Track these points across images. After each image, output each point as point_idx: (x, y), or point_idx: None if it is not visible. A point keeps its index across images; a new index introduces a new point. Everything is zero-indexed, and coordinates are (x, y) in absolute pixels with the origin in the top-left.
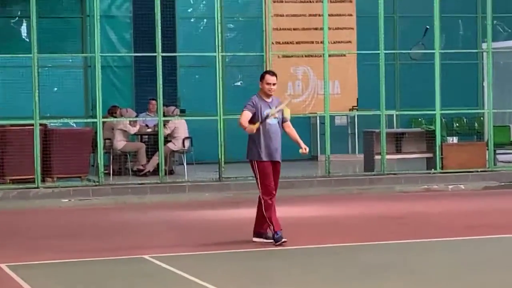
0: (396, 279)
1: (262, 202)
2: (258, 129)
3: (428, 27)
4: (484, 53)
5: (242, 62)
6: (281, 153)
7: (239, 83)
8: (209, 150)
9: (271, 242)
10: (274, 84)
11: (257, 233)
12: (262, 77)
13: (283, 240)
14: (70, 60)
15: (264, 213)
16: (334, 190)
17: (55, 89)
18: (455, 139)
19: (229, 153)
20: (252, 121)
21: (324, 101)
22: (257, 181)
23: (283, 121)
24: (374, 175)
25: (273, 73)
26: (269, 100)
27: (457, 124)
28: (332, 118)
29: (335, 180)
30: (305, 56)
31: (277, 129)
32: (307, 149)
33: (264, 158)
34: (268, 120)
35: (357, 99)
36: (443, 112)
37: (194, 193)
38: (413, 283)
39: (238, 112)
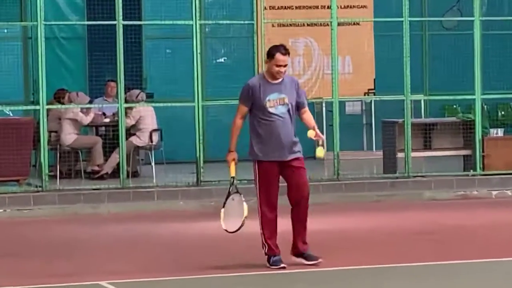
0: None
1: (259, 215)
2: (257, 119)
3: None
4: None
5: (227, 33)
6: (295, 149)
7: (222, 60)
8: (184, 146)
9: (312, 263)
10: (285, 66)
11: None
12: (270, 55)
13: (282, 265)
14: (5, 31)
15: (260, 228)
16: (345, 197)
17: None
18: (500, 132)
19: (210, 150)
20: (253, 112)
21: (332, 83)
22: (255, 186)
23: (298, 106)
24: (396, 178)
25: (285, 51)
26: (276, 81)
27: (503, 113)
28: (342, 104)
29: (346, 185)
30: (308, 25)
31: (285, 120)
32: (322, 138)
33: (264, 158)
34: (270, 108)
35: (374, 80)
36: (485, 97)
37: (165, 201)
38: None
39: (221, 97)
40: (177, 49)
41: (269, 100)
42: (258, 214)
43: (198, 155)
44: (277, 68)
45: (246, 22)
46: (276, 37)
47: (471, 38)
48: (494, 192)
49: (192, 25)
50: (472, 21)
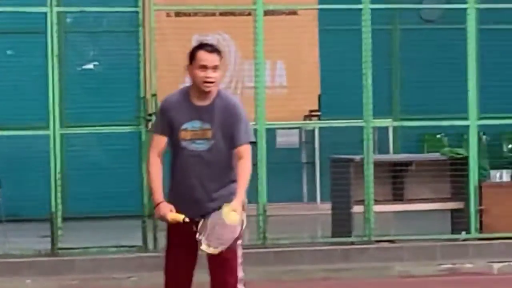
0: None
1: None
2: (173, 155)
3: None
4: None
5: (98, 26)
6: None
7: (91, 66)
8: (33, 196)
9: None
10: (214, 69)
11: None
12: (191, 57)
13: None
14: None
15: None
16: (275, 273)
17: None
18: (506, 175)
19: (71, 202)
20: (174, 149)
21: (255, 101)
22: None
23: (231, 144)
24: (351, 243)
25: (212, 49)
26: (205, 101)
27: (510, 146)
28: (271, 133)
29: (277, 254)
30: (220, 13)
31: (208, 163)
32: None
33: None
34: (183, 142)
35: (320, 97)
36: (483, 122)
37: (4, 279)
38: None
39: (89, 122)
40: (23, 49)
41: (184, 130)
42: None
43: (54, 209)
44: (202, 74)
45: (128, 10)
46: (173, 31)
47: (463, 35)
48: (496, 265)
49: (46, 13)
50: (465, 9)
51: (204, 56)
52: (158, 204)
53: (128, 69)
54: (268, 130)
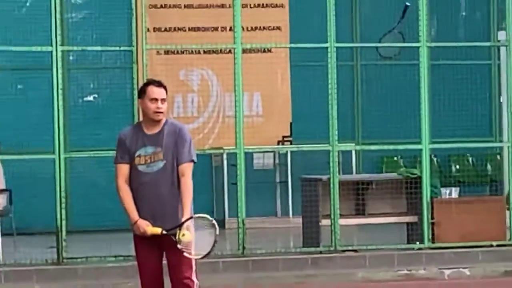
0: None
1: None
2: (134, 180)
3: (408, 4)
4: (502, 48)
5: (97, 62)
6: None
7: (91, 98)
8: (40, 211)
9: None
10: (163, 101)
11: None
12: (141, 92)
13: None
14: None
15: None
16: (253, 279)
17: None
18: (454, 193)
19: (75, 217)
20: (132, 172)
21: (235, 128)
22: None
23: (177, 163)
24: (320, 253)
25: (159, 84)
26: (155, 129)
27: (458, 167)
28: (249, 156)
29: (254, 262)
30: (204, 52)
31: (158, 179)
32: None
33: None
34: (139, 166)
35: (291, 124)
36: (434, 146)
37: (16, 285)
38: None
39: (90, 147)
40: (31, 83)
41: (138, 156)
42: None
43: (59, 223)
44: (152, 106)
45: (122, 48)
46: (163, 67)
47: (417, 70)
48: (447, 272)
49: (52, 51)
50: (418, 47)
51: (154, 90)
52: (135, 222)
53: (123, 100)
54: (246, 153)
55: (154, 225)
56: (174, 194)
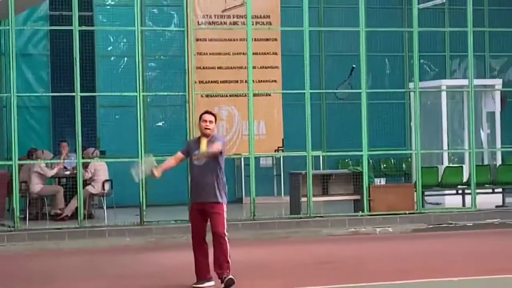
0: None
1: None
2: (190, 168)
3: (354, 66)
4: (411, 93)
5: (164, 102)
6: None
7: (161, 124)
8: (130, 193)
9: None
10: (210, 122)
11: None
12: (200, 117)
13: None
14: None
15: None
16: (259, 234)
17: None
18: (382, 181)
19: (150, 196)
20: (190, 163)
21: (248, 142)
22: None
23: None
24: (300, 218)
25: (210, 112)
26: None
27: (385, 165)
28: (257, 159)
29: (260, 224)
30: (229, 95)
31: (204, 169)
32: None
33: (192, 200)
34: (196, 162)
35: (283, 139)
36: (370, 153)
37: (115, 238)
38: None
39: (160, 153)
40: (124, 115)
41: (194, 155)
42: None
43: (141, 200)
44: (203, 124)
45: (180, 93)
46: (204, 105)
47: (359, 106)
48: (378, 229)
49: (136, 96)
50: (360, 92)
51: (205, 116)
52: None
53: (181, 126)
54: (255, 157)
55: (199, 193)
56: (213, 177)
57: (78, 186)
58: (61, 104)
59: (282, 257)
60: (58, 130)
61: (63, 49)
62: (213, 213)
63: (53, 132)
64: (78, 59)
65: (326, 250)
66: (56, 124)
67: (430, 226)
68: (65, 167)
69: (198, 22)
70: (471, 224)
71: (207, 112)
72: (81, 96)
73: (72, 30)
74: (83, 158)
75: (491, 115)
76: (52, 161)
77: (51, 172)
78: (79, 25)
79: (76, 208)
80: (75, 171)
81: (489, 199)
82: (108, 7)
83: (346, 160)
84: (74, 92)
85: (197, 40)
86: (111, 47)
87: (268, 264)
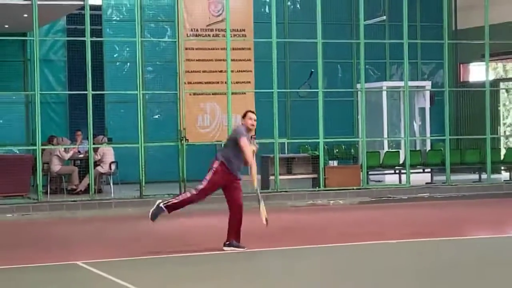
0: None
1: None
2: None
3: (313, 70)
4: (359, 92)
5: (160, 99)
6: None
7: (157, 117)
8: (132, 172)
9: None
10: (255, 120)
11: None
12: (244, 115)
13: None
14: (14, 97)
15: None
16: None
17: (0, 121)
18: (335, 163)
19: (148, 174)
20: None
21: (227, 132)
22: None
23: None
24: (269, 192)
25: (253, 112)
26: (250, 133)
27: (337, 150)
28: None
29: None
30: (212, 94)
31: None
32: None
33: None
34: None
35: (255, 130)
36: (325, 140)
37: (119, 209)
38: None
39: (157, 140)
40: (128, 109)
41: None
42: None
43: (141, 178)
44: (250, 121)
45: (172, 92)
46: (192, 102)
47: (317, 103)
48: (331, 202)
49: (137, 94)
50: (317, 91)
51: (252, 115)
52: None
53: (172, 118)
54: None
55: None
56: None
57: (89, 167)
58: (76, 100)
59: (254, 224)
60: (73, 121)
61: (77, 56)
62: (231, 188)
63: (69, 123)
64: (90, 64)
65: (290, 218)
66: (72, 116)
67: (373, 199)
68: (79, 151)
69: (187, 34)
70: (406, 197)
71: (251, 111)
72: (92, 94)
73: (85, 40)
74: (93, 144)
75: (422, 110)
76: (68, 146)
77: (67, 155)
78: (90, 37)
79: (88, 184)
80: (87, 154)
81: (420, 177)
82: (114, 22)
83: (306, 146)
84: (86, 90)
85: (186, 49)
86: (116, 55)
87: (243, 230)
